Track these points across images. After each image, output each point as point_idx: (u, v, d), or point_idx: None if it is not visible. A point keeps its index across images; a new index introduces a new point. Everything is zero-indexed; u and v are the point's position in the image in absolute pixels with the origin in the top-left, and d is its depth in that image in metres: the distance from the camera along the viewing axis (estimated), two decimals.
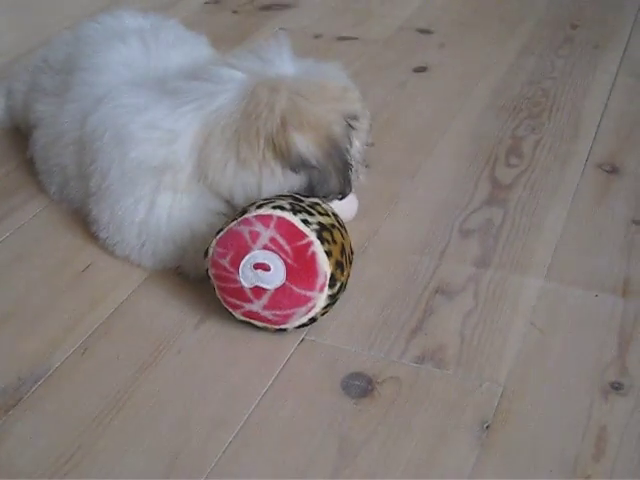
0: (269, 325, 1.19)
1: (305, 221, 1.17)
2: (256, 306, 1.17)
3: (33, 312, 1.28)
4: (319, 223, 1.18)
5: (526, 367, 1.17)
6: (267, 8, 2.32)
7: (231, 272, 1.17)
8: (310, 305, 1.17)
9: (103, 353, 1.20)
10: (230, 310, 1.20)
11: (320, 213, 1.20)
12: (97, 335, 1.23)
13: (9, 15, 2.40)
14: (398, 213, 1.48)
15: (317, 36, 2.14)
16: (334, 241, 1.18)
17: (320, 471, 1.03)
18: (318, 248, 1.16)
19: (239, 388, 1.14)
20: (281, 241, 1.15)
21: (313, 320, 1.19)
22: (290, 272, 1.15)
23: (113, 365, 1.18)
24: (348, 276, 1.22)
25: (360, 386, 1.14)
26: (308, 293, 1.16)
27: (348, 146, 1.26)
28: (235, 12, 2.30)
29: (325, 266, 1.16)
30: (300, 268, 1.15)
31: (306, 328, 1.22)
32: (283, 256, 1.15)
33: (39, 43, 1.88)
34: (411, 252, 1.38)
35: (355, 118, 1.28)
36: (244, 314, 1.19)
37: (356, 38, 2.13)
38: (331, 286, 1.17)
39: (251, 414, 1.10)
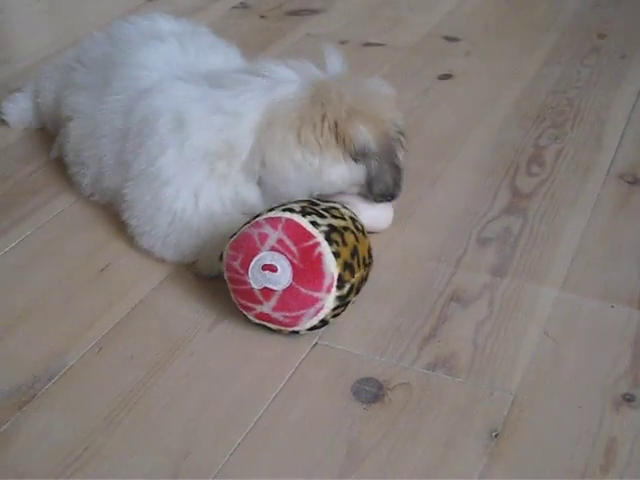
0: (282, 327, 1.20)
1: (314, 223, 1.18)
2: (266, 307, 1.18)
3: (51, 310, 1.29)
4: (329, 225, 1.19)
5: (538, 376, 1.17)
6: (295, 13, 2.33)
7: (241, 274, 1.18)
8: (318, 306, 1.17)
9: (117, 352, 1.21)
10: (244, 313, 1.21)
11: (334, 216, 1.21)
12: (112, 334, 1.24)
13: (39, 18, 2.43)
14: (417, 219, 1.48)
15: (343, 42, 2.14)
16: (344, 243, 1.18)
17: (327, 474, 1.03)
18: (325, 249, 1.16)
19: (250, 390, 1.15)
20: (288, 242, 1.16)
21: (324, 322, 1.19)
22: (297, 273, 1.16)
23: (127, 364, 1.19)
24: (363, 279, 1.23)
25: (371, 391, 1.15)
26: (315, 294, 1.16)
27: (400, 149, 1.35)
28: (263, 17, 2.32)
29: (332, 267, 1.16)
30: (306, 269, 1.16)
31: (319, 332, 1.22)
32: (289, 257, 1.16)
33: (67, 45, 1.90)
34: (428, 259, 1.39)
35: (401, 130, 1.36)
36: (257, 316, 1.20)
37: (383, 44, 2.13)
38: (339, 287, 1.17)
39: (261, 416, 1.11)
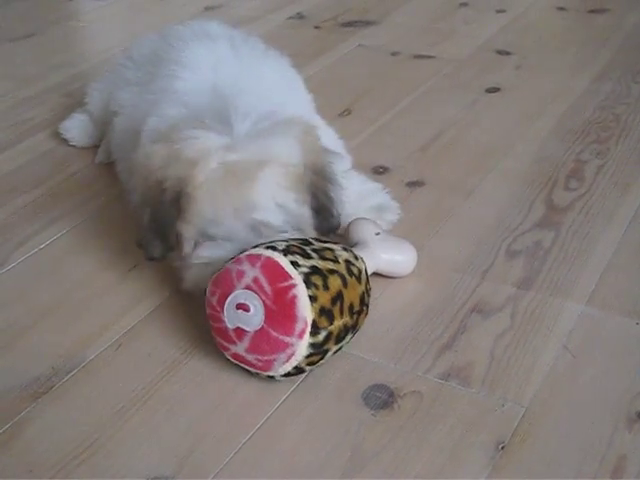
0: (257, 371, 1.14)
1: (294, 263, 1.12)
2: (240, 348, 1.13)
3: (76, 307, 1.32)
4: (312, 266, 1.13)
5: (552, 390, 1.15)
6: (349, 24, 2.35)
7: (218, 311, 1.13)
8: (289, 352, 1.10)
9: (136, 350, 1.24)
10: (223, 352, 1.16)
11: (324, 258, 1.15)
12: (133, 333, 1.27)
13: (101, 25, 2.49)
14: (447, 230, 1.48)
15: (394, 53, 2.15)
16: (326, 287, 1.12)
17: (327, 478, 1.03)
18: (301, 292, 1.10)
19: (262, 391, 1.16)
20: (263, 281, 1.11)
21: (300, 370, 1.13)
22: (268, 315, 1.10)
23: (143, 362, 1.21)
24: (348, 328, 1.15)
25: (381, 398, 1.14)
26: (286, 339, 1.10)
27: (171, 211, 1.21)
28: (317, 27, 2.34)
29: (305, 311, 1.09)
30: (278, 311, 1.10)
31: None
32: (263, 297, 1.10)
33: (122, 49, 1.94)
34: (454, 270, 1.38)
35: (180, 196, 1.20)
36: (233, 357, 1.14)
37: (433, 57, 2.13)
38: (313, 334, 1.10)
39: (269, 417, 1.12)
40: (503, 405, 1.13)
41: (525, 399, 1.14)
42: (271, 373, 1.13)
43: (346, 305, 1.14)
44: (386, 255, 1.32)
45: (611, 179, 1.61)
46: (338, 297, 1.13)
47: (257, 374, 1.14)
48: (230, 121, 1.22)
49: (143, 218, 1.25)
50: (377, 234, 1.33)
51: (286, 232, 1.22)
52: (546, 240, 1.44)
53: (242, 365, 1.14)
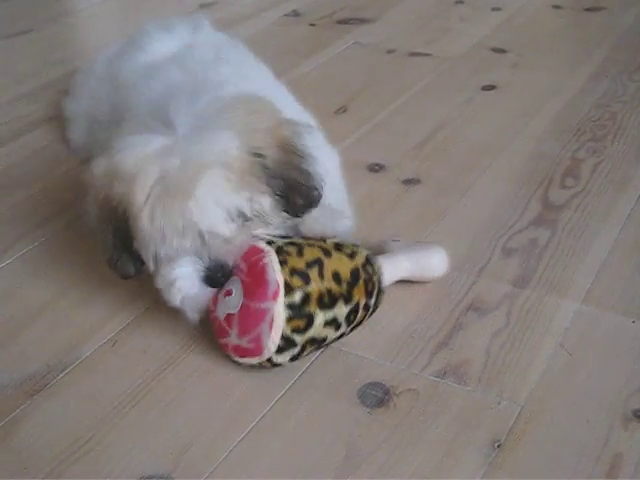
0: (257, 358, 1.13)
1: (270, 242, 1.14)
2: (233, 336, 1.14)
3: (71, 303, 1.32)
4: (290, 242, 1.15)
5: (548, 389, 1.15)
6: (345, 22, 2.34)
7: (213, 310, 1.16)
8: (269, 318, 1.10)
9: (131, 347, 1.23)
10: (228, 354, 1.17)
11: (307, 239, 1.18)
12: (129, 329, 1.26)
13: (97, 22, 2.48)
14: (443, 229, 1.48)
15: (390, 51, 2.15)
16: (300, 254, 1.13)
17: (323, 476, 1.03)
18: (270, 258, 1.12)
19: (257, 389, 1.16)
20: (241, 263, 1.14)
21: (290, 342, 1.11)
22: (245, 289, 1.12)
23: (139, 359, 1.21)
24: (335, 296, 1.13)
25: (377, 396, 1.14)
26: (263, 305, 1.10)
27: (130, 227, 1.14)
28: (312, 25, 2.33)
29: (275, 274, 1.10)
30: (252, 281, 1.12)
31: None
32: (241, 276, 1.13)
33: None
34: (450, 268, 1.37)
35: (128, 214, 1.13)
36: (234, 352, 1.15)
37: (429, 54, 2.13)
38: (288, 293, 1.10)
39: (264, 415, 1.11)
40: (499, 403, 1.13)
41: (521, 397, 1.14)
42: (266, 354, 1.12)
43: (328, 271, 1.13)
44: (408, 262, 1.31)
45: (607, 177, 1.61)
46: (315, 262, 1.13)
47: (260, 365, 1.14)
48: (172, 119, 1.12)
49: (106, 235, 1.16)
50: (394, 240, 1.36)
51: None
52: (542, 238, 1.44)
53: (246, 360, 1.14)
